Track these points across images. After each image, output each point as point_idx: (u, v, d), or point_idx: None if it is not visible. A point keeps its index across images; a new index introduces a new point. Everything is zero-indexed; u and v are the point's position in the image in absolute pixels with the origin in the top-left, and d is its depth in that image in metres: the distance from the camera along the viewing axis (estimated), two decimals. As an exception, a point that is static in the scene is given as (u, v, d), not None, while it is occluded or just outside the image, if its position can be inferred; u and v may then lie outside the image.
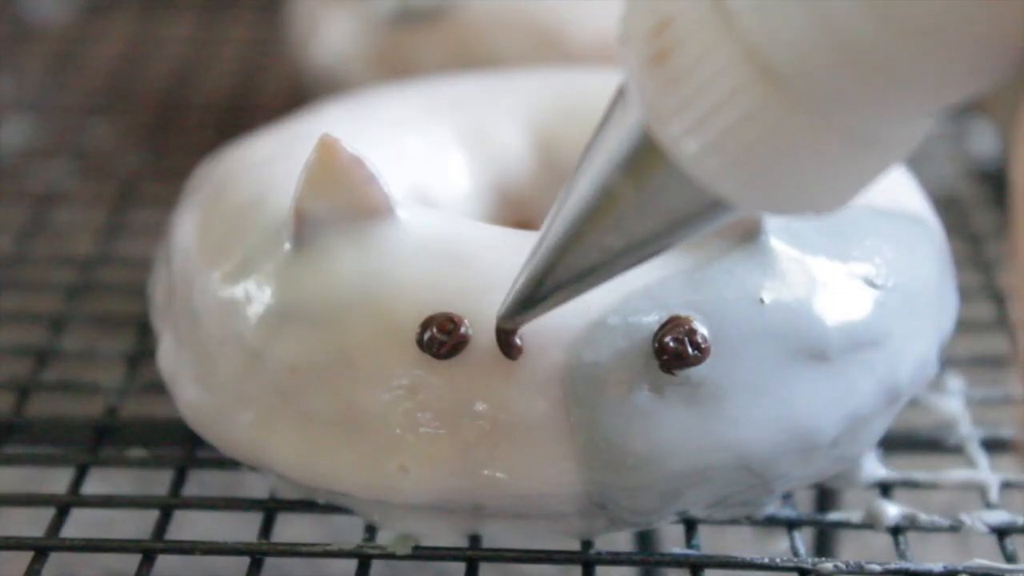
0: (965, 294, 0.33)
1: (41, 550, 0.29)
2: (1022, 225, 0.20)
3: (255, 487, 0.31)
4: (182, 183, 0.34)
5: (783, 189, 0.21)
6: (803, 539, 0.29)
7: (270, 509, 0.30)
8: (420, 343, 0.27)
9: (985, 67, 0.19)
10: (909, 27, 0.19)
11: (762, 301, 0.27)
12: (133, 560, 0.29)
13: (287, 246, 0.28)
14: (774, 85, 0.20)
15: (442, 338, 0.26)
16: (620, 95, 0.22)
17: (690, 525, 0.29)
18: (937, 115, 0.21)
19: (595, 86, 0.36)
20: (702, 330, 0.26)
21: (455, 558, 0.28)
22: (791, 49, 0.19)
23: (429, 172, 0.33)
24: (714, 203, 0.22)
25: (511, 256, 0.27)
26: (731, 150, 0.20)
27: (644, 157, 0.22)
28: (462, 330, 0.26)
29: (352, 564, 0.28)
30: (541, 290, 0.25)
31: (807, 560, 0.28)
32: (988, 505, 0.30)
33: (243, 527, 0.31)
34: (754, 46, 0.20)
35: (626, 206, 0.22)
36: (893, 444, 0.32)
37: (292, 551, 0.29)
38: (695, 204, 0.22)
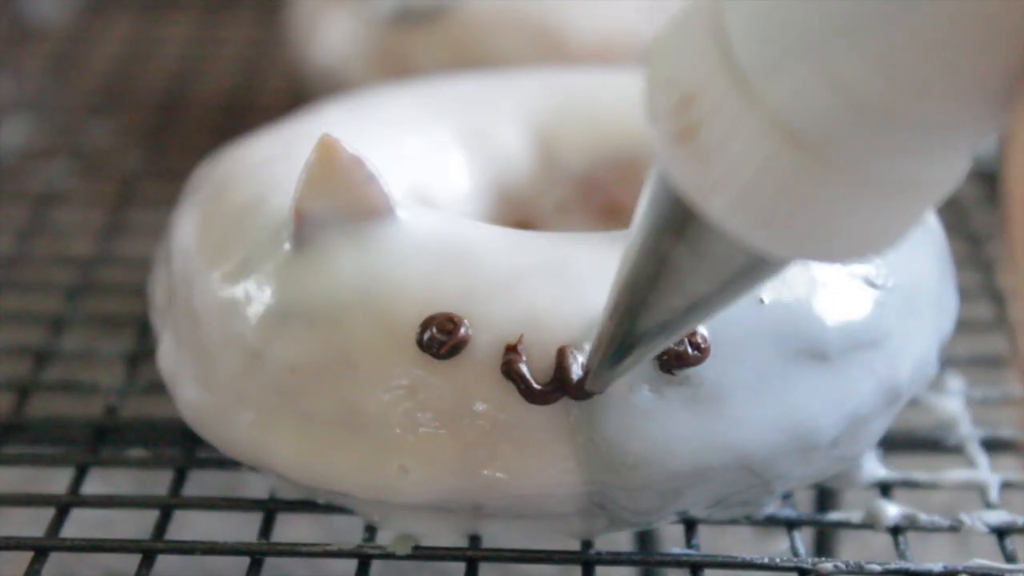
0: (965, 294, 0.33)
1: (41, 550, 0.29)
2: (1018, 227, 0.20)
3: (255, 487, 0.31)
4: (182, 183, 0.34)
5: (834, 242, 0.21)
6: (803, 539, 0.29)
7: (270, 509, 0.30)
8: (420, 343, 0.27)
9: (989, 112, 0.20)
10: (914, 83, 0.19)
11: (762, 301, 0.27)
12: (133, 560, 0.29)
13: (287, 246, 0.28)
14: (803, 150, 0.20)
15: (442, 338, 0.26)
16: (659, 164, 0.23)
17: (690, 525, 0.29)
18: (968, 153, 0.21)
19: (595, 86, 0.36)
20: (702, 330, 0.26)
21: (455, 558, 0.28)
22: (812, 115, 0.20)
23: (429, 172, 0.33)
24: (767, 259, 0.22)
25: (511, 256, 0.28)
26: (777, 218, 0.21)
27: (692, 225, 0.22)
28: (462, 330, 0.26)
29: (352, 564, 0.28)
30: (621, 354, 0.25)
31: (807, 560, 0.28)
32: (988, 505, 0.30)
33: (243, 527, 0.31)
34: (776, 115, 0.20)
35: (685, 270, 0.23)
36: (893, 444, 0.32)
37: (292, 551, 0.29)
38: (750, 261, 0.22)
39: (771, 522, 0.29)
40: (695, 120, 0.21)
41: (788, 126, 0.20)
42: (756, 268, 0.22)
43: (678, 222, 0.22)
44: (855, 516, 0.30)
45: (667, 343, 0.25)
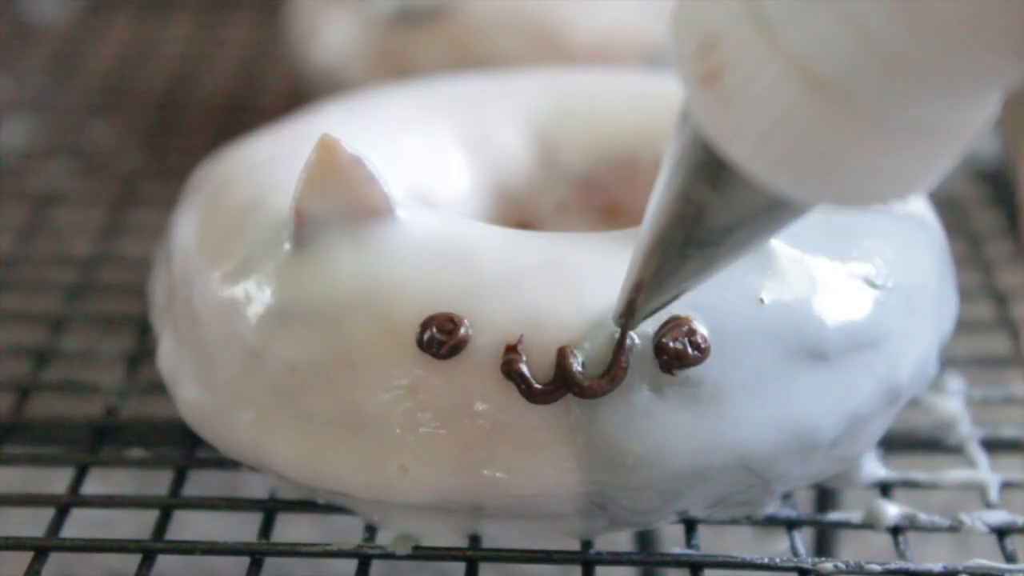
0: (965, 294, 0.33)
1: (41, 550, 0.29)
2: None
3: (255, 487, 0.31)
4: (182, 183, 0.34)
5: (855, 186, 0.22)
6: (803, 539, 0.29)
7: (270, 509, 0.30)
8: (420, 343, 0.27)
9: (1015, 61, 0.20)
10: (937, 30, 0.20)
11: (762, 301, 0.27)
12: (133, 560, 0.29)
13: (287, 246, 0.28)
14: (825, 96, 0.20)
15: (442, 338, 0.26)
16: (685, 107, 0.23)
17: (690, 525, 0.29)
18: (994, 99, 0.21)
19: (595, 86, 0.36)
20: (702, 330, 0.26)
21: (455, 558, 0.28)
22: (835, 61, 0.20)
23: (429, 172, 0.33)
24: (789, 202, 0.22)
25: (511, 256, 0.28)
26: (799, 162, 0.21)
27: (718, 167, 0.22)
28: (462, 330, 0.26)
29: (352, 564, 0.28)
30: (645, 294, 0.25)
31: (807, 560, 0.28)
32: (988, 505, 0.30)
33: (243, 527, 0.31)
34: (800, 60, 0.20)
35: (711, 211, 0.23)
36: (893, 444, 0.32)
37: (292, 551, 0.29)
38: (773, 203, 0.22)
39: (771, 522, 0.29)
40: (719, 64, 0.21)
41: (810, 72, 0.20)
42: (780, 210, 0.23)
43: (705, 164, 0.22)
44: (855, 516, 0.30)
45: (696, 283, 0.25)
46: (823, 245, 0.28)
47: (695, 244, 0.24)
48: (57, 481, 0.32)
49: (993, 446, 0.32)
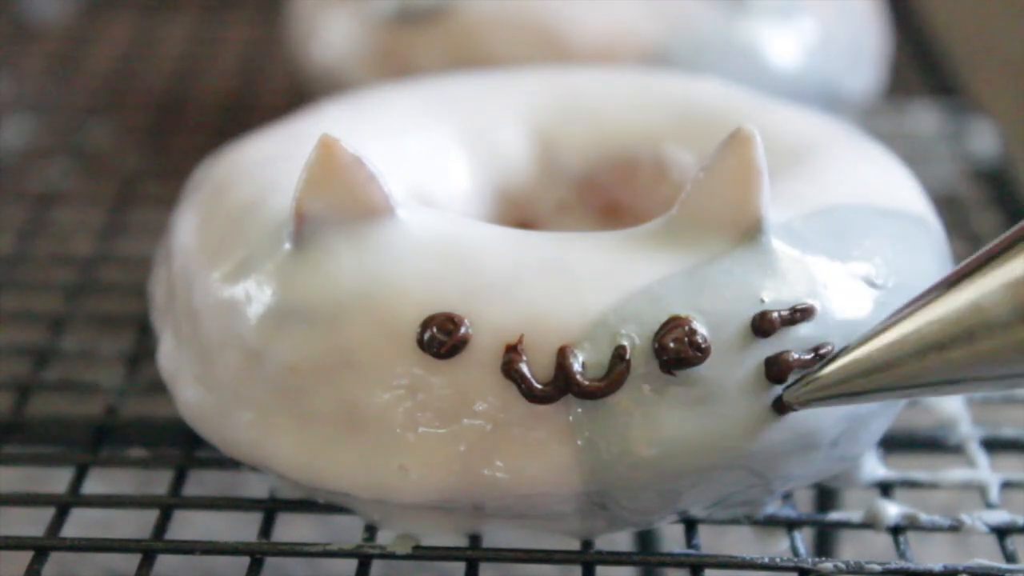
0: (965, 294, 0.33)
1: (41, 550, 0.29)
2: None
3: (255, 487, 0.31)
4: (182, 183, 0.34)
5: None
6: (803, 539, 0.29)
7: (270, 509, 0.30)
8: (420, 343, 0.27)
9: None
10: None
11: (762, 301, 0.27)
12: (133, 560, 0.29)
13: (287, 246, 0.28)
14: None
15: (442, 338, 0.26)
16: None
17: (690, 525, 0.29)
18: None
19: (595, 85, 0.36)
20: (702, 330, 0.26)
21: (455, 558, 0.28)
22: None
23: (429, 172, 0.33)
24: None
25: (511, 256, 0.28)
26: None
27: None
28: (462, 330, 0.26)
29: (352, 564, 0.28)
30: (851, 385, 0.24)
31: (807, 560, 0.28)
32: (988, 505, 0.30)
33: (243, 527, 0.31)
34: None
35: (995, 336, 0.21)
36: (893, 444, 0.32)
37: (292, 551, 0.29)
38: None
39: (771, 522, 0.29)
40: None
41: None
42: None
43: None
44: (855, 516, 0.30)
45: (904, 397, 0.24)
46: (823, 245, 0.28)
47: (955, 359, 0.21)
48: (57, 481, 0.32)
49: (993, 446, 0.32)
